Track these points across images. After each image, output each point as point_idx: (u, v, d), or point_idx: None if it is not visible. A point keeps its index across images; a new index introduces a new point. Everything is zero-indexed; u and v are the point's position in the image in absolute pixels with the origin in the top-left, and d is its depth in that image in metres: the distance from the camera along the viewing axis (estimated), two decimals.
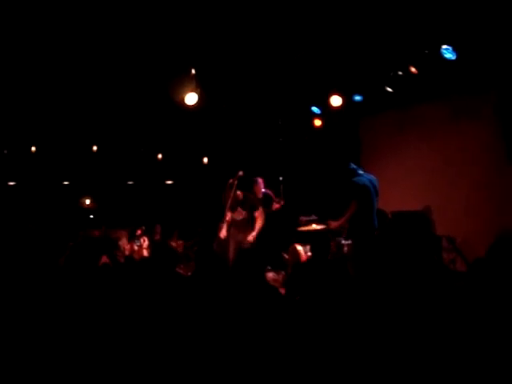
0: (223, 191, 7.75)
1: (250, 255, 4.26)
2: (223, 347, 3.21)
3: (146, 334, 3.40)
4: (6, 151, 11.02)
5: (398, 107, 9.27)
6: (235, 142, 11.12)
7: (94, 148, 11.57)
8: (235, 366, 3.14)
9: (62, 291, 3.94)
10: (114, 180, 12.57)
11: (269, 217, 8.09)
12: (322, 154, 10.35)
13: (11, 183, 11.89)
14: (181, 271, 5.56)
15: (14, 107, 8.97)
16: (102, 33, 6.95)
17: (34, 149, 11.10)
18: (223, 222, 7.81)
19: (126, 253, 6.19)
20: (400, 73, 8.01)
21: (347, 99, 8.99)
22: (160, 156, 12.40)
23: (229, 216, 7.72)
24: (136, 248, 7.71)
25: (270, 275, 7.58)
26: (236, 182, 7.86)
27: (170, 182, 13.19)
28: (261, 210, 7.59)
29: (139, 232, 8.37)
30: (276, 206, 8.05)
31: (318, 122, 10.02)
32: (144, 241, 8.07)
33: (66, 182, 12.51)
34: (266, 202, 8.04)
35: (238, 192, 7.59)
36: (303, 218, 8.33)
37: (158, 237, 10.45)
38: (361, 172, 6.78)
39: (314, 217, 8.41)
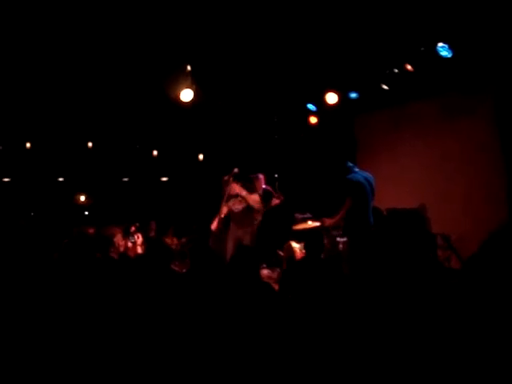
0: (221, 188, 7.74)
1: (248, 252, 4.26)
2: (218, 344, 3.21)
3: (140, 331, 3.39)
4: (0, 147, 10.98)
5: (393, 105, 9.27)
6: (230, 139, 11.10)
7: (89, 144, 11.53)
8: (230, 363, 3.14)
9: (56, 287, 3.93)
10: (109, 176, 12.54)
11: (268, 213, 8.08)
12: (318, 152, 10.35)
13: (6, 179, 11.84)
14: (176, 268, 5.55)
15: (8, 103, 8.93)
16: (98, 29, 6.93)
17: (28, 145, 11.06)
18: (215, 221, 7.80)
19: (121, 249, 6.17)
20: (396, 70, 8.01)
21: (343, 96, 8.99)
22: (155, 153, 12.38)
23: (224, 212, 7.71)
24: (130, 245, 7.68)
25: (265, 272, 7.58)
26: (231, 179, 7.85)
27: (165, 179, 13.17)
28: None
29: (133, 229, 8.33)
30: (276, 201, 8.04)
31: (313, 120, 10.02)
32: (138, 237, 8.03)
33: (60, 179, 12.48)
34: (266, 197, 8.02)
35: (234, 185, 7.56)
36: (298, 216, 8.33)
37: (153, 233, 10.42)
38: (356, 170, 6.77)
39: (308, 214, 8.41)
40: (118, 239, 5.67)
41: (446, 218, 7.98)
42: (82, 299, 3.76)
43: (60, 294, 3.84)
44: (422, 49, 7.35)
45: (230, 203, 7.63)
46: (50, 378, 3.13)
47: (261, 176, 8.11)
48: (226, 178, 7.88)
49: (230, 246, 7.52)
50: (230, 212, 7.68)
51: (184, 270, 5.50)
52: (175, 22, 6.82)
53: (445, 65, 7.34)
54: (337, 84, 8.90)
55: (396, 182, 9.10)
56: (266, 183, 8.14)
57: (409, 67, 7.76)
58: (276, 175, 10.59)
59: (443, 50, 7.01)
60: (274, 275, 7.47)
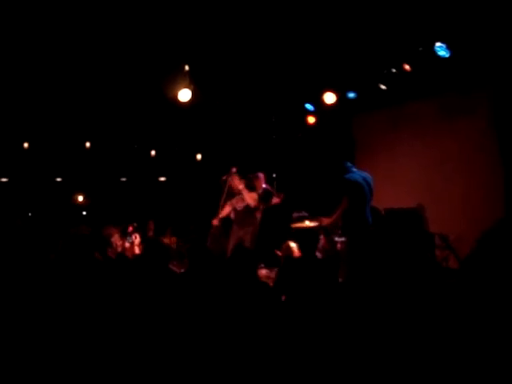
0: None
1: (246, 252, 4.26)
2: (215, 344, 3.21)
3: (138, 331, 3.39)
4: None
5: (391, 105, 9.27)
6: (229, 139, 11.10)
7: (87, 144, 11.52)
8: (228, 362, 3.14)
9: (53, 288, 3.92)
10: (107, 176, 12.53)
11: (267, 212, 8.08)
12: (316, 151, 10.35)
13: (3, 179, 11.82)
14: (174, 268, 5.55)
15: (6, 103, 8.92)
16: (96, 29, 6.92)
17: (26, 145, 11.04)
18: (216, 218, 7.81)
19: (119, 249, 6.17)
20: (394, 70, 8.01)
21: (341, 96, 8.99)
22: (153, 152, 12.37)
23: (227, 211, 7.71)
24: (128, 245, 7.68)
25: (263, 272, 7.57)
26: (230, 179, 7.85)
27: (163, 179, 13.16)
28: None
29: (131, 229, 8.33)
30: (276, 200, 8.03)
31: (311, 119, 10.02)
32: (136, 237, 8.04)
33: (58, 179, 12.46)
34: (266, 197, 8.02)
35: (236, 179, 7.55)
36: (294, 215, 8.32)
37: (151, 233, 10.43)
38: (354, 169, 6.75)
39: (304, 213, 8.39)
40: (116, 239, 5.67)
41: (444, 218, 7.98)
42: (79, 300, 3.75)
43: (57, 294, 3.83)
44: (420, 49, 7.35)
45: (234, 201, 7.63)
46: (48, 378, 3.12)
47: (261, 175, 8.11)
48: (224, 177, 7.89)
49: (231, 246, 7.51)
50: (234, 210, 7.67)
51: (182, 270, 5.50)
52: (173, 22, 6.81)
53: (443, 65, 7.34)
54: (335, 84, 8.89)
55: (394, 181, 9.10)
56: (265, 182, 8.14)
57: (407, 67, 7.76)
58: (274, 175, 10.59)
59: (441, 50, 7.01)
60: (272, 275, 7.46)
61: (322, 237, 8.35)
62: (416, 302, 3.86)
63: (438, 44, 7.01)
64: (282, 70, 8.43)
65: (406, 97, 8.90)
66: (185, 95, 8.24)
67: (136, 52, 7.63)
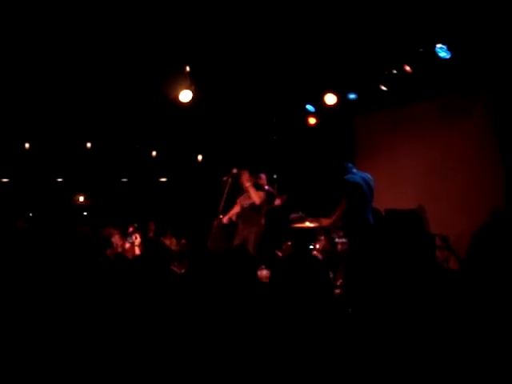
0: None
1: (246, 252, 4.26)
2: (214, 344, 3.21)
3: (138, 331, 3.39)
4: None
5: (392, 106, 9.27)
6: (229, 140, 11.10)
7: (88, 145, 11.53)
8: (227, 363, 3.14)
9: (53, 289, 3.93)
10: (107, 177, 12.53)
11: (268, 213, 8.09)
12: (316, 152, 10.35)
13: (4, 180, 11.83)
14: (174, 269, 5.55)
15: (7, 104, 8.92)
16: (97, 30, 6.93)
17: (27, 145, 11.05)
18: (217, 220, 7.81)
19: (119, 250, 6.17)
20: (394, 71, 8.02)
21: (342, 97, 8.99)
22: (154, 153, 12.38)
23: (237, 210, 7.70)
24: (128, 245, 7.68)
25: (264, 273, 7.58)
26: (230, 180, 7.86)
27: (164, 180, 13.16)
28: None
29: (131, 229, 8.33)
30: (278, 201, 8.03)
31: (312, 120, 10.02)
32: (136, 238, 8.03)
33: (59, 179, 12.47)
34: (269, 198, 8.03)
35: (246, 177, 7.55)
36: (293, 215, 8.32)
37: (151, 234, 10.43)
38: (354, 170, 6.74)
39: (301, 214, 8.40)
40: (116, 240, 5.67)
41: (445, 219, 7.99)
42: (79, 300, 3.76)
43: (57, 295, 3.83)
44: (421, 50, 7.35)
45: (241, 198, 7.64)
46: (45, 379, 3.13)
47: (262, 176, 8.11)
48: (224, 178, 7.90)
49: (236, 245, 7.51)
50: (241, 209, 7.68)
51: (182, 271, 5.51)
52: (174, 22, 6.82)
53: (443, 66, 7.34)
54: (336, 85, 8.90)
55: (395, 182, 9.10)
56: (267, 183, 8.15)
57: (407, 68, 7.76)
58: (275, 176, 10.59)
59: (442, 51, 7.01)
60: None
61: (322, 237, 8.38)
62: (417, 302, 3.87)
63: (438, 45, 7.01)
64: (282, 71, 8.44)
65: (406, 98, 8.90)
66: (186, 96, 8.25)
67: (137, 53, 7.64)
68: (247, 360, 3.14)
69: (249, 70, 8.35)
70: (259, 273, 7.08)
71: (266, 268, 7.82)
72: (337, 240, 7.96)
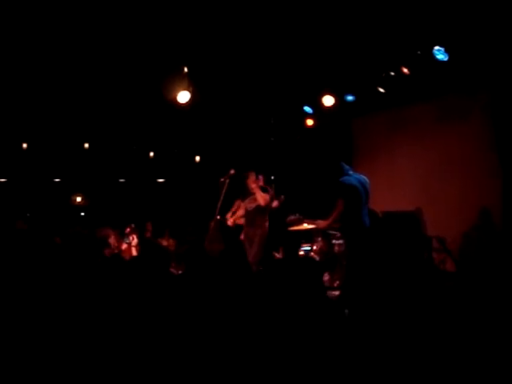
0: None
1: (242, 254, 4.27)
2: (211, 345, 3.21)
3: (135, 332, 3.39)
4: None
5: (390, 107, 9.29)
6: (227, 141, 11.10)
7: (86, 145, 11.52)
8: (223, 364, 3.15)
9: (51, 290, 3.93)
10: (105, 177, 12.52)
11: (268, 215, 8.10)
12: (314, 154, 10.35)
13: (2, 180, 11.82)
14: (172, 270, 5.55)
15: (4, 104, 8.92)
16: (95, 31, 6.93)
17: (25, 145, 11.04)
18: (213, 221, 7.82)
19: (115, 251, 6.17)
20: (392, 73, 8.03)
21: (339, 99, 9.00)
22: (152, 154, 12.37)
23: (242, 213, 7.72)
24: (125, 246, 7.68)
25: None
26: (228, 181, 7.86)
27: (161, 180, 13.16)
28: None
29: (128, 230, 8.32)
30: (275, 203, 8.03)
31: (310, 122, 10.03)
32: (133, 239, 8.02)
33: (57, 179, 12.46)
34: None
35: (252, 179, 7.55)
36: (290, 218, 8.32)
37: (149, 234, 10.42)
38: (350, 172, 6.76)
39: (298, 215, 8.39)
40: (113, 240, 5.66)
41: (443, 221, 8.00)
42: (76, 301, 3.76)
43: (57, 295, 3.83)
44: (419, 52, 7.37)
45: (247, 201, 7.63)
46: (43, 378, 3.13)
47: (260, 177, 8.12)
48: (222, 179, 7.90)
49: (246, 248, 7.51)
50: (245, 211, 7.68)
51: (180, 272, 5.50)
52: (172, 24, 6.82)
53: (441, 68, 7.36)
54: (333, 87, 8.91)
55: (392, 184, 9.12)
56: (265, 184, 8.14)
57: (405, 70, 7.78)
58: (272, 177, 10.59)
59: (439, 54, 7.03)
60: None
61: (319, 239, 8.38)
62: (413, 304, 3.88)
63: (436, 47, 7.03)
64: (280, 73, 8.44)
65: (404, 100, 8.91)
66: (184, 97, 8.26)
67: (135, 54, 7.64)
68: (244, 361, 3.15)
69: (247, 72, 8.35)
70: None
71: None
72: (334, 241, 7.95)
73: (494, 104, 7.60)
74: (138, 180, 12.72)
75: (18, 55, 7.45)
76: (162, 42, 7.31)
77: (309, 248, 8.43)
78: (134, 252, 7.79)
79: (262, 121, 10.68)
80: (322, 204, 7.51)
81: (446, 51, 6.99)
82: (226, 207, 8.18)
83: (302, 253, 8.16)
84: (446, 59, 7.04)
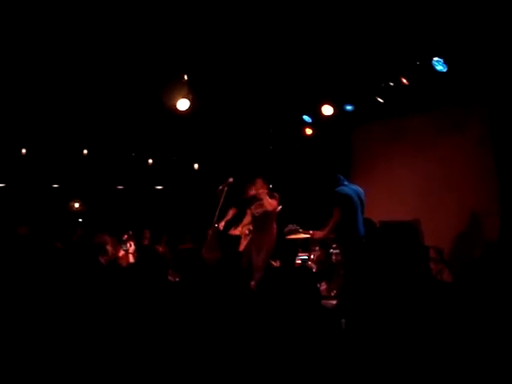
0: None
1: (238, 262, 4.27)
2: (206, 353, 3.20)
3: (130, 339, 3.38)
4: None
5: (388, 118, 9.31)
6: (226, 149, 11.11)
7: (85, 151, 11.52)
8: (220, 372, 3.14)
9: (49, 296, 3.92)
10: (103, 184, 12.51)
11: None
12: (312, 163, 10.36)
13: (1, 185, 11.81)
14: (169, 277, 5.54)
15: (4, 109, 8.93)
16: (96, 38, 6.95)
17: (24, 151, 11.05)
18: (211, 229, 7.81)
19: (112, 258, 6.16)
20: (391, 84, 8.06)
21: (339, 109, 9.02)
22: (150, 161, 12.37)
23: (247, 220, 7.72)
24: (122, 253, 7.67)
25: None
26: (226, 189, 7.87)
27: (160, 188, 13.15)
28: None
29: (125, 237, 8.31)
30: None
31: (308, 131, 10.05)
32: (130, 245, 8.01)
33: (55, 185, 12.45)
34: None
35: (260, 185, 7.56)
36: (287, 228, 8.33)
37: (146, 242, 10.41)
38: (346, 183, 6.85)
39: (296, 226, 8.42)
40: (110, 247, 5.65)
41: (440, 231, 8.00)
42: (74, 307, 3.75)
43: (58, 301, 3.82)
44: (418, 63, 7.40)
45: (253, 207, 7.63)
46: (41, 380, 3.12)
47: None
48: (220, 187, 7.91)
49: (253, 254, 7.50)
50: (252, 217, 7.67)
51: (177, 279, 5.49)
52: (173, 32, 6.85)
53: (440, 79, 7.39)
54: (333, 96, 8.93)
55: (391, 194, 9.12)
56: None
57: (404, 81, 7.81)
58: (271, 186, 10.59)
59: (438, 65, 7.06)
60: None
61: (317, 248, 8.39)
62: (410, 314, 3.86)
63: (435, 58, 7.06)
64: (280, 81, 8.47)
65: (403, 110, 8.94)
66: (183, 105, 8.27)
67: (135, 61, 7.66)
68: (240, 369, 3.14)
69: (246, 80, 8.37)
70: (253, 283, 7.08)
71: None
72: (332, 251, 7.96)
73: (492, 115, 7.63)
74: (136, 187, 12.71)
75: (18, 61, 7.47)
76: (162, 49, 7.33)
77: (306, 257, 8.43)
78: (131, 259, 7.78)
79: (261, 129, 10.70)
80: (319, 214, 7.52)
81: (445, 62, 7.02)
82: (224, 215, 8.17)
83: (299, 262, 8.15)
84: (444, 70, 7.07)
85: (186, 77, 8.16)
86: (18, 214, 10.94)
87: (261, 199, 7.47)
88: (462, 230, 7.88)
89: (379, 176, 9.60)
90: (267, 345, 3.23)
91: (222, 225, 7.95)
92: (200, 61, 7.74)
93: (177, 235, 10.98)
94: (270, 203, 7.41)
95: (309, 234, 7.58)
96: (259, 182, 7.56)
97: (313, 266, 8.18)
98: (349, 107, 9.00)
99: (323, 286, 7.29)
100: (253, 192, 7.54)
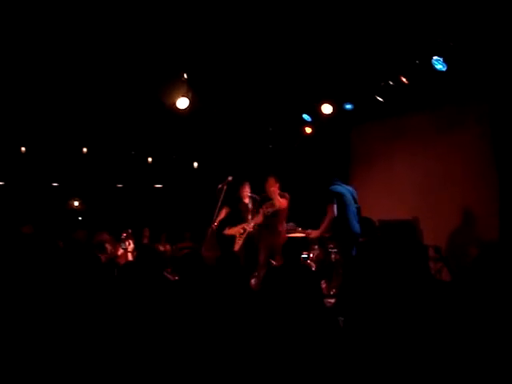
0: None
1: (236, 261, 4.27)
2: (205, 351, 3.21)
3: (129, 337, 3.38)
4: None
5: (388, 117, 9.31)
6: (225, 148, 11.11)
7: (84, 150, 11.52)
8: (219, 371, 3.14)
9: (52, 293, 3.92)
10: (103, 182, 12.51)
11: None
12: (312, 162, 10.37)
13: (0, 183, 11.81)
14: (168, 275, 5.54)
15: (3, 108, 8.92)
16: (95, 36, 6.94)
17: (23, 149, 11.04)
18: (211, 227, 7.82)
19: (111, 256, 6.16)
20: (391, 83, 8.06)
21: (338, 107, 9.02)
22: (150, 159, 12.37)
23: (259, 220, 7.77)
24: (121, 251, 7.66)
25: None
26: (225, 188, 7.87)
27: (159, 186, 13.15)
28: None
29: (124, 235, 8.31)
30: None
31: (308, 130, 10.05)
32: (129, 244, 8.01)
33: (55, 184, 12.44)
34: (255, 206, 8.05)
35: (272, 183, 7.58)
36: (288, 226, 8.34)
37: (146, 240, 10.41)
38: (339, 183, 7.01)
39: (293, 225, 8.45)
40: (109, 245, 5.65)
41: (439, 230, 8.01)
42: (70, 306, 3.75)
43: (59, 300, 3.82)
44: (417, 62, 7.39)
45: (264, 207, 7.65)
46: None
47: (246, 183, 8.14)
48: (220, 186, 7.91)
49: (263, 252, 7.52)
50: (263, 216, 7.69)
51: (176, 277, 5.49)
52: (172, 30, 6.84)
53: (439, 78, 7.38)
54: (332, 95, 8.93)
55: (390, 193, 9.13)
56: (251, 191, 8.16)
57: (404, 80, 7.81)
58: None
59: (438, 64, 7.06)
60: None
61: (316, 247, 8.40)
62: (408, 313, 3.86)
63: (434, 57, 7.06)
64: (279, 80, 8.46)
65: (402, 109, 8.94)
66: (183, 103, 8.27)
67: (135, 59, 7.65)
68: (238, 368, 3.14)
69: (246, 79, 8.37)
70: (252, 281, 7.08)
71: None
72: (331, 250, 7.97)
73: (491, 114, 7.63)
74: (135, 185, 12.71)
75: (17, 59, 7.46)
76: (162, 48, 7.32)
77: (305, 256, 8.43)
78: (130, 257, 7.78)
79: (261, 128, 10.70)
80: (318, 213, 7.53)
81: (445, 61, 7.01)
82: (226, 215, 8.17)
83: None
84: (444, 69, 7.06)
85: (185, 75, 8.15)
86: (17, 212, 10.94)
87: (272, 198, 7.52)
88: (462, 229, 7.88)
89: (379, 175, 9.61)
90: (266, 344, 3.24)
91: (215, 224, 7.94)
92: (199, 59, 7.73)
93: (176, 234, 10.99)
94: (280, 202, 7.45)
95: (306, 233, 7.62)
96: (271, 180, 7.59)
97: (312, 264, 8.19)
98: (348, 106, 9.00)
99: (323, 285, 7.30)
100: (266, 188, 7.61)
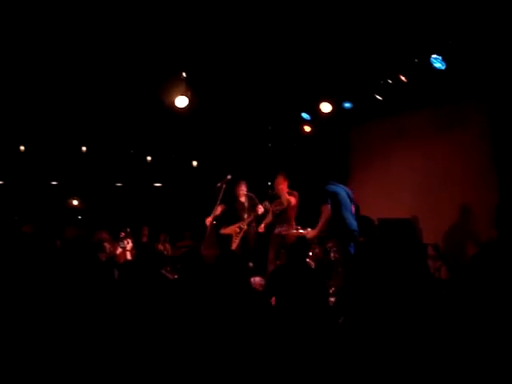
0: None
1: (236, 259, 4.26)
2: (205, 350, 3.21)
3: (128, 337, 3.39)
4: None
5: (387, 115, 9.31)
6: (224, 146, 11.11)
7: (83, 149, 11.51)
8: (219, 370, 3.14)
9: (49, 292, 3.91)
10: (102, 181, 12.51)
11: (258, 222, 8.12)
12: (311, 161, 10.37)
13: None
14: (167, 274, 5.54)
15: (2, 107, 8.91)
16: (94, 35, 6.94)
17: (22, 148, 11.04)
18: (210, 226, 7.82)
19: (110, 255, 6.16)
20: (390, 81, 8.06)
21: (337, 106, 9.02)
22: (149, 158, 12.37)
23: (268, 220, 7.73)
24: (120, 250, 7.64)
25: (258, 280, 7.57)
26: (224, 186, 7.87)
27: (158, 185, 13.15)
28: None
29: (123, 234, 8.28)
30: (261, 209, 8.02)
31: (307, 128, 10.05)
32: (128, 243, 7.98)
33: (54, 182, 12.44)
34: (251, 204, 8.06)
35: (281, 180, 7.58)
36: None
37: (145, 239, 10.40)
38: (334, 183, 7.04)
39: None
40: (108, 244, 5.64)
41: (438, 229, 8.01)
42: (69, 304, 3.75)
43: (50, 299, 3.82)
44: (416, 60, 7.39)
45: (273, 205, 7.69)
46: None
47: (242, 181, 8.15)
48: (218, 184, 7.91)
49: (271, 251, 7.54)
50: (272, 214, 7.72)
51: (175, 277, 5.49)
52: (171, 28, 6.84)
53: (438, 76, 7.39)
54: (331, 93, 8.93)
55: (389, 191, 9.13)
56: (248, 191, 8.17)
57: (403, 78, 7.81)
58: (269, 183, 10.60)
59: (437, 62, 7.06)
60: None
61: (315, 246, 8.39)
62: (408, 312, 3.87)
63: (433, 56, 7.06)
64: (278, 79, 8.46)
65: (401, 108, 8.94)
66: (182, 102, 8.27)
67: (133, 58, 7.65)
68: (239, 367, 3.14)
69: (245, 77, 8.37)
70: (252, 280, 7.07)
71: (260, 275, 7.81)
72: (329, 248, 7.96)
73: (491, 112, 7.62)
74: (134, 184, 12.71)
75: (17, 58, 7.46)
76: (161, 46, 7.32)
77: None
78: (129, 256, 7.76)
79: (260, 127, 10.70)
80: (317, 212, 7.55)
81: (444, 60, 7.02)
82: (222, 212, 8.17)
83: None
84: (443, 68, 7.07)
85: (184, 74, 8.15)
86: (16, 211, 10.94)
87: (280, 196, 7.56)
88: (461, 228, 7.88)
89: (378, 174, 9.61)
90: (266, 344, 3.24)
91: (209, 220, 7.94)
92: (198, 58, 7.74)
93: (175, 233, 10.99)
94: (288, 200, 7.48)
95: (303, 233, 7.63)
96: (280, 178, 7.63)
97: (311, 263, 8.18)
98: (347, 105, 9.00)
99: None
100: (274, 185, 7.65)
